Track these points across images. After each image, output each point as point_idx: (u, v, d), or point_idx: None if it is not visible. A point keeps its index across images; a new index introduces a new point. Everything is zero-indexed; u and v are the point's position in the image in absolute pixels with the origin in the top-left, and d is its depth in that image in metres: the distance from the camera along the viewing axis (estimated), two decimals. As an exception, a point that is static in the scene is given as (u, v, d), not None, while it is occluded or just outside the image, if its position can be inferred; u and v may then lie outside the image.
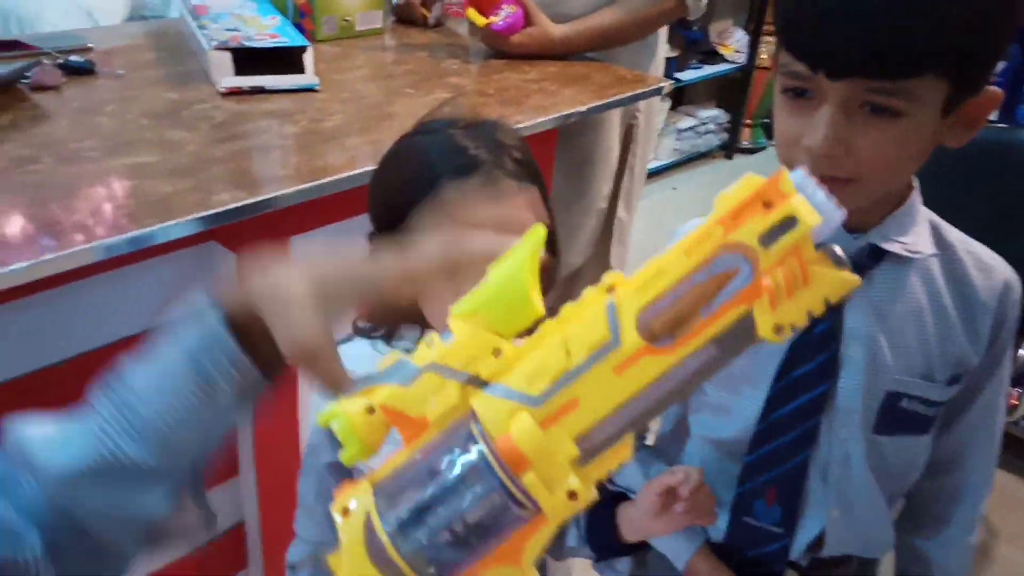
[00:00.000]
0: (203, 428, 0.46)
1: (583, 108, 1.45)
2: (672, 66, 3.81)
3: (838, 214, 0.34)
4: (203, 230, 1.03)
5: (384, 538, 0.35)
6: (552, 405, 0.35)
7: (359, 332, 0.93)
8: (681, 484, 0.83)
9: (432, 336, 0.37)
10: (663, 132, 3.93)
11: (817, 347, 0.86)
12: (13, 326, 1.06)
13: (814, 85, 0.72)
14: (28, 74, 1.29)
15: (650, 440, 1.06)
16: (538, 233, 0.37)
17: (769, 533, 0.91)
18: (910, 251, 0.84)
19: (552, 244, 0.90)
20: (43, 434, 0.46)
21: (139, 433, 0.45)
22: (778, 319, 0.33)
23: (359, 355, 0.92)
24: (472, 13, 1.64)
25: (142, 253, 1.15)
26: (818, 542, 0.91)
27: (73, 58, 1.41)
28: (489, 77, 1.60)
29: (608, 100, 1.50)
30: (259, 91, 1.40)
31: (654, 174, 3.92)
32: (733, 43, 4.22)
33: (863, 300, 0.85)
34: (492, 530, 0.35)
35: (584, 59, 1.71)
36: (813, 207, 0.33)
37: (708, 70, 4.05)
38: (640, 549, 0.93)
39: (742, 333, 0.34)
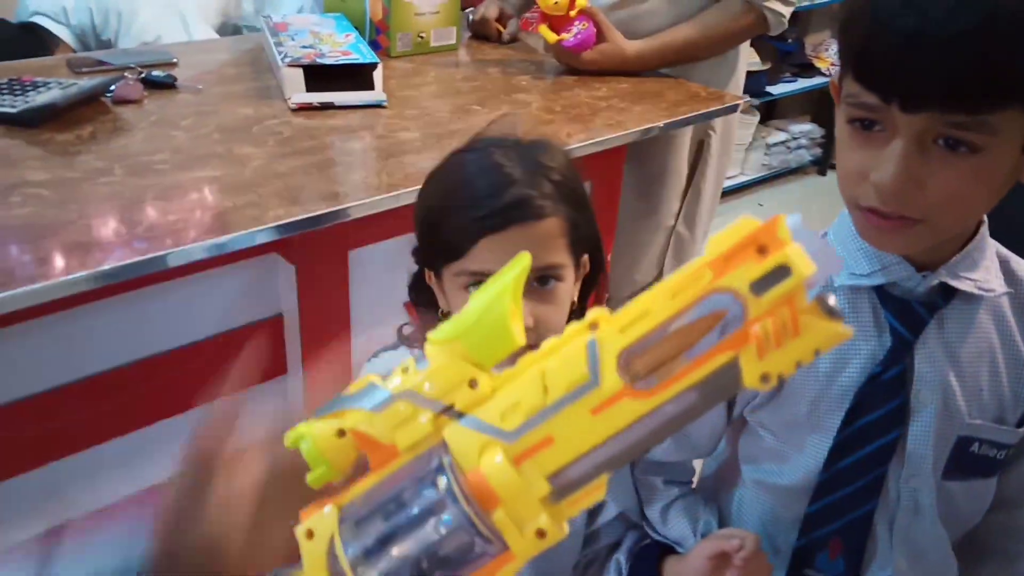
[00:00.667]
0: None
1: (651, 126, 1.42)
2: (762, 79, 3.70)
3: (835, 264, 0.32)
4: (265, 242, 1.06)
5: (346, 566, 0.34)
6: (526, 441, 0.34)
7: (404, 341, 0.93)
8: (736, 551, 0.78)
9: (408, 361, 0.36)
10: (751, 146, 3.82)
11: (887, 393, 0.80)
12: (76, 332, 1.12)
13: (885, 117, 0.67)
14: (112, 88, 1.35)
15: (695, 480, 1.02)
16: (522, 261, 0.36)
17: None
18: (981, 288, 0.78)
19: (597, 263, 0.88)
20: None
21: None
22: (765, 368, 0.32)
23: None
24: (544, 30, 1.63)
25: (205, 263, 1.19)
26: None
27: (156, 72, 1.47)
28: (558, 94, 1.59)
29: (679, 118, 1.47)
30: (328, 107, 1.43)
31: (739, 189, 3.81)
32: (829, 56, 4.07)
33: (935, 342, 0.79)
34: (457, 564, 0.34)
35: (658, 75, 1.68)
36: (809, 256, 0.31)
37: (802, 83, 3.92)
38: None
39: (727, 380, 0.33)
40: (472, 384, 0.35)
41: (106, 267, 0.93)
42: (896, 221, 0.70)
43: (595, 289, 0.90)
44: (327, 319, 1.30)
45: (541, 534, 0.33)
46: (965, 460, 0.81)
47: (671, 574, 0.87)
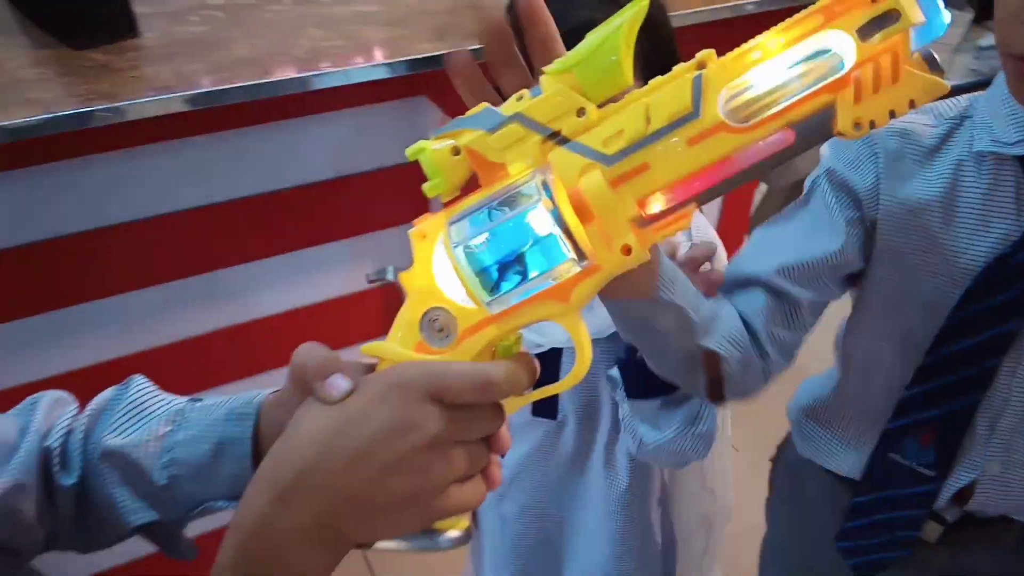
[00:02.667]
0: (204, 481, 0.52)
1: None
2: (985, -30, 3.28)
3: (944, 20, 0.33)
4: (408, 74, 1.10)
5: (452, 260, 0.38)
6: (624, 166, 0.36)
7: None
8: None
9: (523, 91, 0.39)
10: (959, 48, 3.44)
11: (1012, 277, 0.73)
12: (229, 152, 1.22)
13: None
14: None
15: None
16: (640, 4, 0.36)
17: (916, 474, 0.81)
18: None
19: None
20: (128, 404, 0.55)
21: (167, 459, 0.52)
22: (859, 114, 0.33)
23: None
24: None
25: (354, 98, 1.26)
26: (962, 495, 0.81)
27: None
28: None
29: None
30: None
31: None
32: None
33: None
34: (550, 271, 0.37)
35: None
36: (919, 6, 0.32)
37: (1034, -22, 3.44)
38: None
39: (820, 124, 0.34)
40: (580, 113, 0.37)
41: (261, 80, 1.01)
42: None
43: None
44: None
45: (627, 250, 0.36)
46: None
47: None
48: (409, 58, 1.08)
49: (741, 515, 1.11)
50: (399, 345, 0.40)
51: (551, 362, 0.84)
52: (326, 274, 1.45)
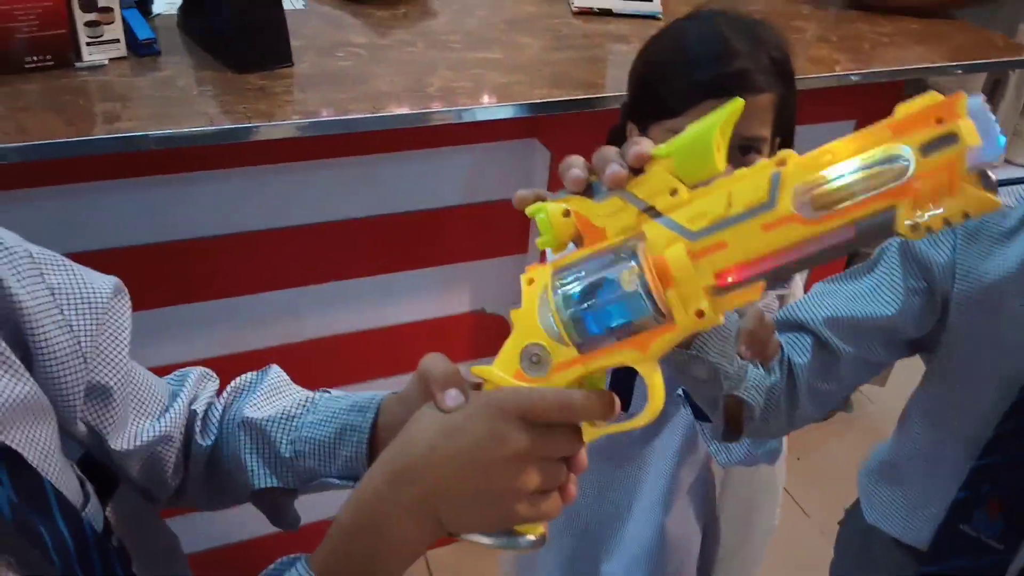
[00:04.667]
0: (324, 459, 0.61)
1: (928, 65, 1.36)
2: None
3: (1000, 146, 0.36)
4: (523, 116, 1.20)
5: (552, 304, 0.45)
6: (704, 242, 0.42)
7: None
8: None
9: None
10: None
11: None
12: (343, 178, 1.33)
13: None
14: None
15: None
16: (735, 104, 0.43)
17: (985, 546, 0.82)
18: None
19: (786, 146, 0.88)
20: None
21: (294, 436, 0.62)
22: (917, 220, 0.37)
23: None
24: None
25: (471, 135, 1.37)
26: None
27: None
28: (838, 25, 1.56)
29: (955, 63, 1.39)
30: (606, 13, 1.53)
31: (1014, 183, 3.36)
32: None
33: None
34: (632, 323, 0.44)
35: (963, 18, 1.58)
36: (979, 133, 0.36)
37: None
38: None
39: (881, 224, 0.38)
40: (673, 192, 0.44)
41: (397, 112, 1.12)
42: None
43: None
44: (569, 204, 1.43)
45: (700, 314, 0.43)
46: None
47: None
48: (526, 103, 1.18)
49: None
50: (501, 370, 0.47)
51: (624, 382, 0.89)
52: (426, 296, 1.55)
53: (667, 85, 0.87)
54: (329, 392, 0.65)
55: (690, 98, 0.84)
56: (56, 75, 1.10)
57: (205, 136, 1.03)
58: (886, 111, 0.38)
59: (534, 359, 0.46)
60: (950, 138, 0.36)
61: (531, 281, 0.47)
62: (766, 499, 1.13)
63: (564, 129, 1.38)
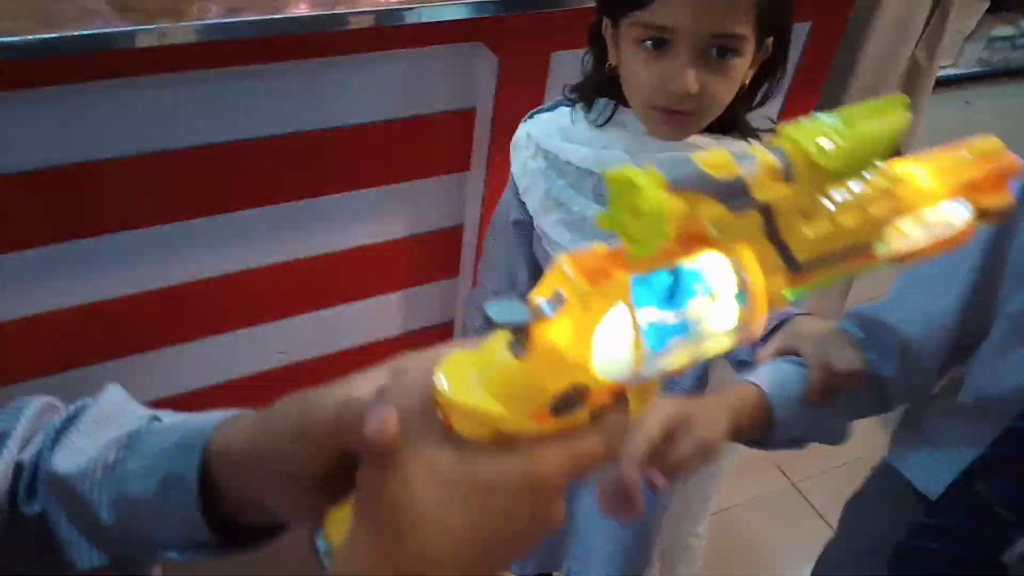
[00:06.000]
0: (154, 522, 0.44)
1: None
2: (1006, -40, 3.26)
3: None
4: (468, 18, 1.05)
5: (635, 323, 0.33)
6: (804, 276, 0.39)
7: (561, 101, 0.95)
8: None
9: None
10: (971, 37, 3.43)
11: None
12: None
13: None
14: None
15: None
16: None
17: (994, 513, 0.78)
18: None
19: (780, 52, 0.84)
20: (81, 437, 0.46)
21: (116, 495, 0.44)
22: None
23: (558, 125, 0.93)
24: None
25: (404, 39, 1.20)
26: None
27: None
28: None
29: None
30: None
31: (946, 83, 3.46)
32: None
33: None
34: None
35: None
36: None
37: (1050, -28, 3.44)
38: None
39: None
40: None
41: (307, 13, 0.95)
42: None
43: (771, 80, 0.86)
44: (520, 118, 1.29)
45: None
46: None
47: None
48: (467, 1, 1.03)
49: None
50: (507, 409, 0.34)
51: None
52: (358, 221, 1.41)
53: None
54: (160, 419, 0.48)
55: None
56: None
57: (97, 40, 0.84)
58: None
59: (572, 400, 0.34)
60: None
61: (586, 306, 0.33)
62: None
63: (511, 33, 1.23)
